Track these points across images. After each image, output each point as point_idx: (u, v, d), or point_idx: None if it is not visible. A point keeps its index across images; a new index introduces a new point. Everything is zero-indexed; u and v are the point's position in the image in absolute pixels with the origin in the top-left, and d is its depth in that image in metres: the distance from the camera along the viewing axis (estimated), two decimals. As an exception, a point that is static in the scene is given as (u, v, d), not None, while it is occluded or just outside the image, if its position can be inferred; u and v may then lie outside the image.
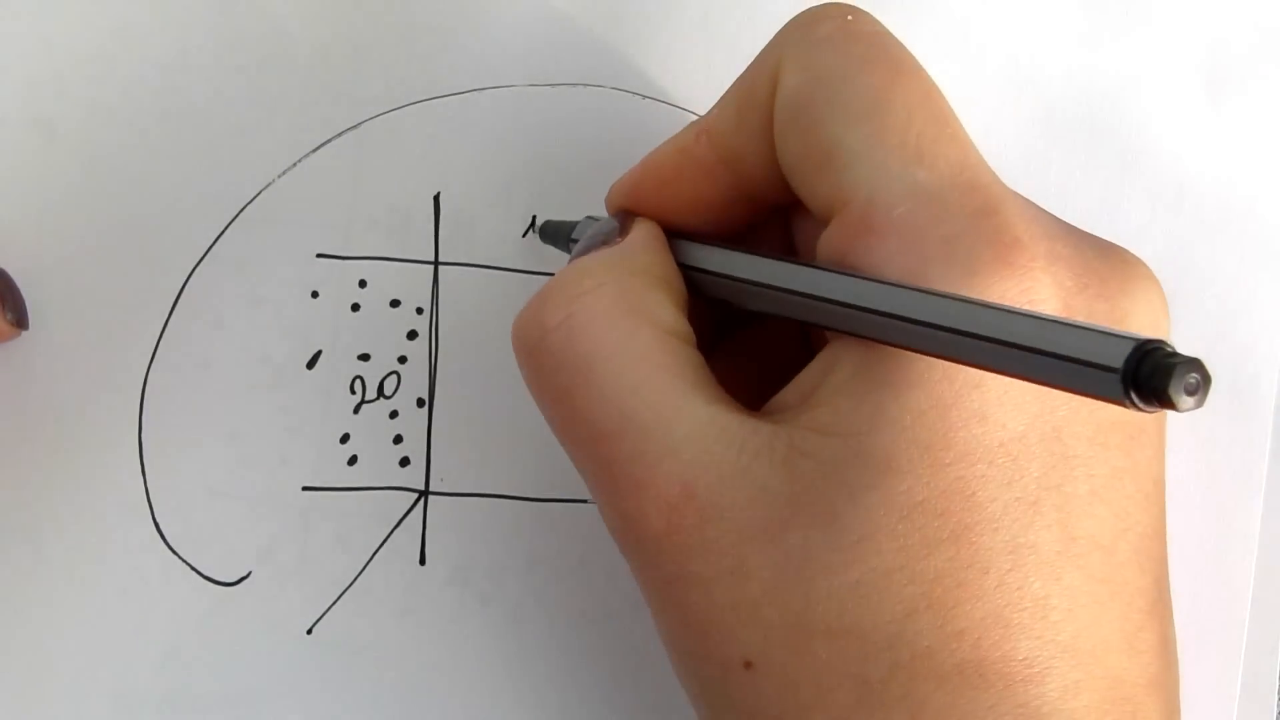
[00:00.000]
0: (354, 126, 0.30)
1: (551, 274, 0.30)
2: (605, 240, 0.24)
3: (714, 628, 0.20)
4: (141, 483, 0.29)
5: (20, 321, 0.28)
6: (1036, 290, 0.20)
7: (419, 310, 0.30)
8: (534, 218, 0.30)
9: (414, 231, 0.30)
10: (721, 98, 0.24)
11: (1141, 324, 0.21)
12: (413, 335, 0.30)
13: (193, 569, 0.29)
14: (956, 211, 0.20)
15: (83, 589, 0.29)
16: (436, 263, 0.30)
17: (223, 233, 0.30)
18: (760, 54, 0.23)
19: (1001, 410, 0.19)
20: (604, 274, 0.22)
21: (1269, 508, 0.31)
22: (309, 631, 0.29)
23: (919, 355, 0.19)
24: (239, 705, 0.29)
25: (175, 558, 0.29)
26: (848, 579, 0.19)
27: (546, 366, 0.22)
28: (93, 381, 0.29)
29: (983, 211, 0.20)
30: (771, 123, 0.22)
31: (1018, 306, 0.19)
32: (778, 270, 0.22)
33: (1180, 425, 0.30)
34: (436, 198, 0.30)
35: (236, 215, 0.30)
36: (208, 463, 0.29)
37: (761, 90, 0.22)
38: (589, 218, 0.28)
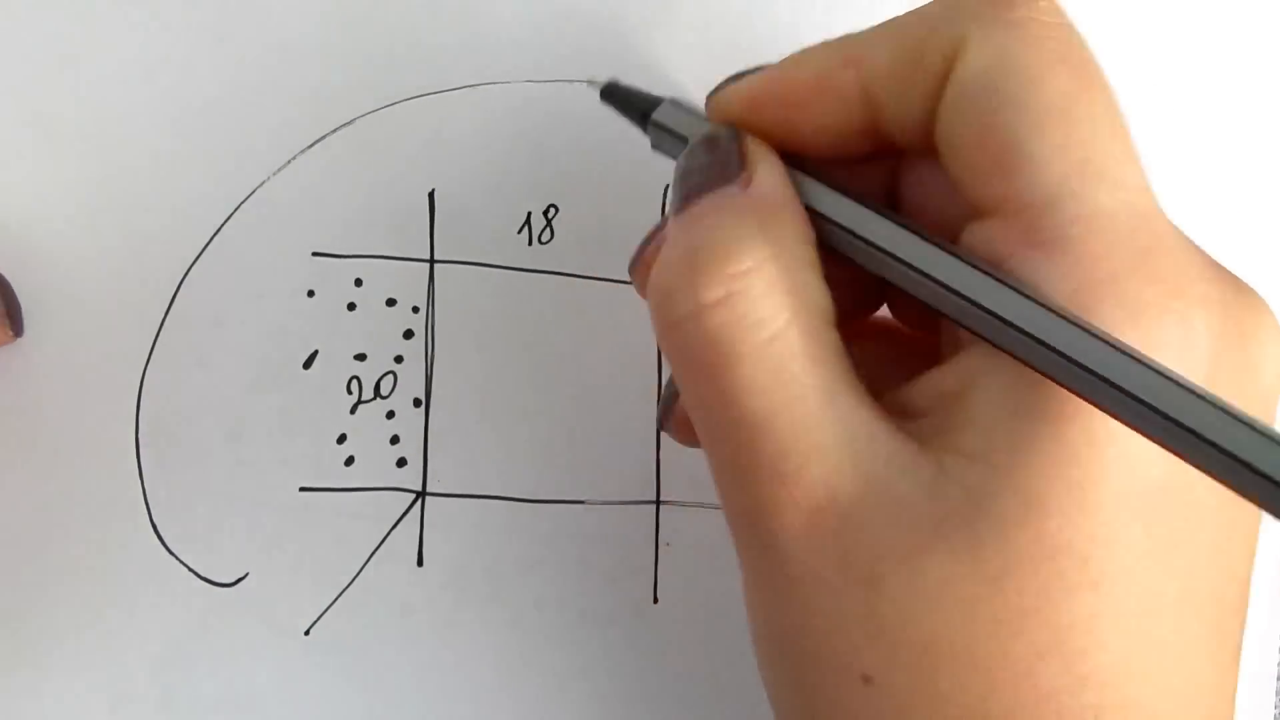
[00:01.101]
0: (348, 123, 0.30)
1: (552, 272, 0.30)
2: (725, 173, 0.22)
3: (837, 636, 0.20)
4: (139, 484, 0.29)
5: (15, 327, 0.28)
6: (1193, 337, 0.19)
7: (415, 309, 0.30)
8: (528, 213, 0.30)
9: (409, 229, 0.30)
10: (876, 35, 0.22)
11: (1268, 377, 0.21)
12: (409, 334, 0.30)
13: (190, 570, 0.29)
14: (1129, 245, 0.19)
15: (80, 590, 0.29)
16: (432, 261, 0.30)
17: (218, 232, 0.30)
18: (937, 9, 0.21)
19: (1147, 457, 0.19)
20: (761, 247, 0.21)
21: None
22: (306, 632, 0.29)
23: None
24: (236, 706, 0.29)
25: (172, 559, 0.29)
26: (984, 613, 0.19)
27: (697, 341, 0.21)
28: (89, 382, 0.29)
29: (1152, 248, 0.20)
30: (938, 89, 0.21)
31: (1206, 391, 0.18)
32: (941, 261, 0.21)
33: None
34: (431, 195, 0.30)
35: (231, 214, 0.30)
36: (205, 463, 0.29)
37: (935, 54, 0.21)
38: (672, 102, 0.26)
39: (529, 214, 0.30)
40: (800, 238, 0.22)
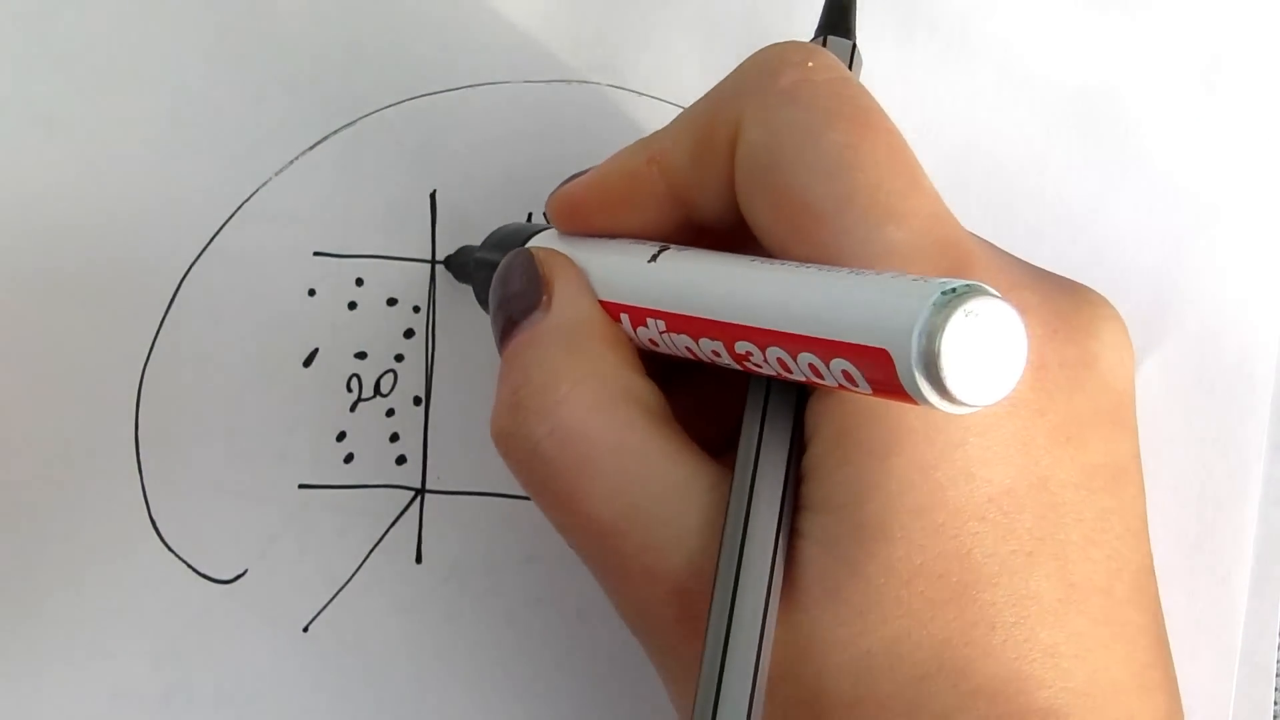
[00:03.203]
0: (350, 123, 0.30)
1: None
2: (530, 299, 0.23)
3: None
4: (138, 480, 0.29)
5: None
6: None
7: (416, 309, 0.30)
8: (530, 214, 0.30)
9: (411, 229, 0.30)
10: (672, 130, 0.23)
11: (1109, 363, 0.21)
12: (409, 334, 0.30)
13: (189, 567, 0.29)
14: (932, 271, 0.20)
15: (79, 587, 0.29)
16: (433, 261, 0.30)
17: (220, 230, 0.30)
18: (718, 95, 0.22)
19: (986, 466, 0.20)
20: (575, 368, 0.22)
21: (1266, 502, 0.31)
22: (305, 629, 0.29)
23: (898, 420, 0.19)
24: (235, 702, 0.29)
25: (172, 555, 0.29)
26: (858, 651, 0.19)
27: (543, 473, 0.22)
28: (89, 379, 0.29)
29: (956, 269, 0.20)
30: (731, 171, 0.22)
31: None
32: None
33: (1179, 422, 0.30)
34: (433, 195, 0.30)
35: (234, 213, 0.30)
36: (204, 460, 0.29)
37: (720, 138, 0.22)
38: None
39: (530, 215, 0.30)
40: (609, 344, 0.22)
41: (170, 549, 0.29)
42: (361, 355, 0.30)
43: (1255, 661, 0.30)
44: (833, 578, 0.20)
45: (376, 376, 0.30)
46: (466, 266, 0.29)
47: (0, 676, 0.29)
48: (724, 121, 0.22)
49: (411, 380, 0.30)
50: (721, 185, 0.22)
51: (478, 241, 0.29)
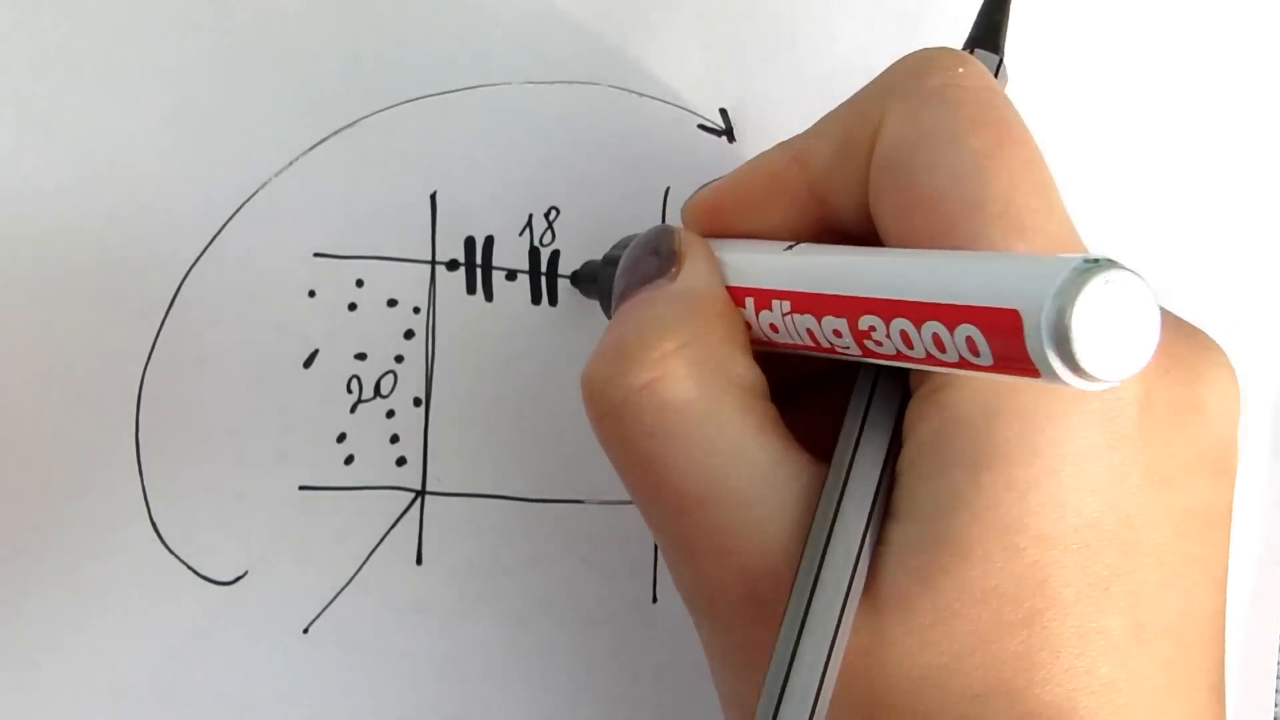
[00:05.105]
0: (351, 124, 0.30)
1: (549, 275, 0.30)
2: (659, 269, 0.23)
3: None
4: (138, 482, 0.29)
5: None
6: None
7: (416, 310, 0.30)
8: (529, 215, 0.30)
9: (411, 230, 0.30)
10: (817, 127, 0.23)
11: (1216, 410, 0.21)
12: (410, 335, 0.30)
13: (189, 568, 0.29)
14: None
15: (80, 589, 0.29)
16: (434, 262, 0.30)
17: (220, 231, 0.30)
18: (865, 92, 0.22)
19: (1078, 497, 0.19)
20: (685, 330, 0.22)
21: (1266, 503, 0.31)
22: (305, 631, 0.29)
23: (995, 435, 0.19)
24: (236, 704, 0.29)
25: (172, 557, 0.29)
26: (919, 663, 0.19)
27: (631, 429, 0.22)
28: (89, 380, 0.29)
29: None
30: (869, 167, 0.21)
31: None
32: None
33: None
34: (433, 196, 0.30)
35: (234, 214, 0.30)
36: (204, 462, 0.29)
37: (863, 133, 0.21)
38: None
39: (530, 216, 0.30)
40: (724, 319, 0.22)
41: (170, 550, 0.29)
42: (361, 356, 0.30)
43: (1255, 662, 0.30)
44: (905, 588, 0.19)
45: (377, 378, 0.30)
46: (594, 278, 0.29)
47: (2, 678, 0.29)
48: (868, 117, 0.21)
49: (412, 381, 0.30)
50: (860, 183, 0.22)
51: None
